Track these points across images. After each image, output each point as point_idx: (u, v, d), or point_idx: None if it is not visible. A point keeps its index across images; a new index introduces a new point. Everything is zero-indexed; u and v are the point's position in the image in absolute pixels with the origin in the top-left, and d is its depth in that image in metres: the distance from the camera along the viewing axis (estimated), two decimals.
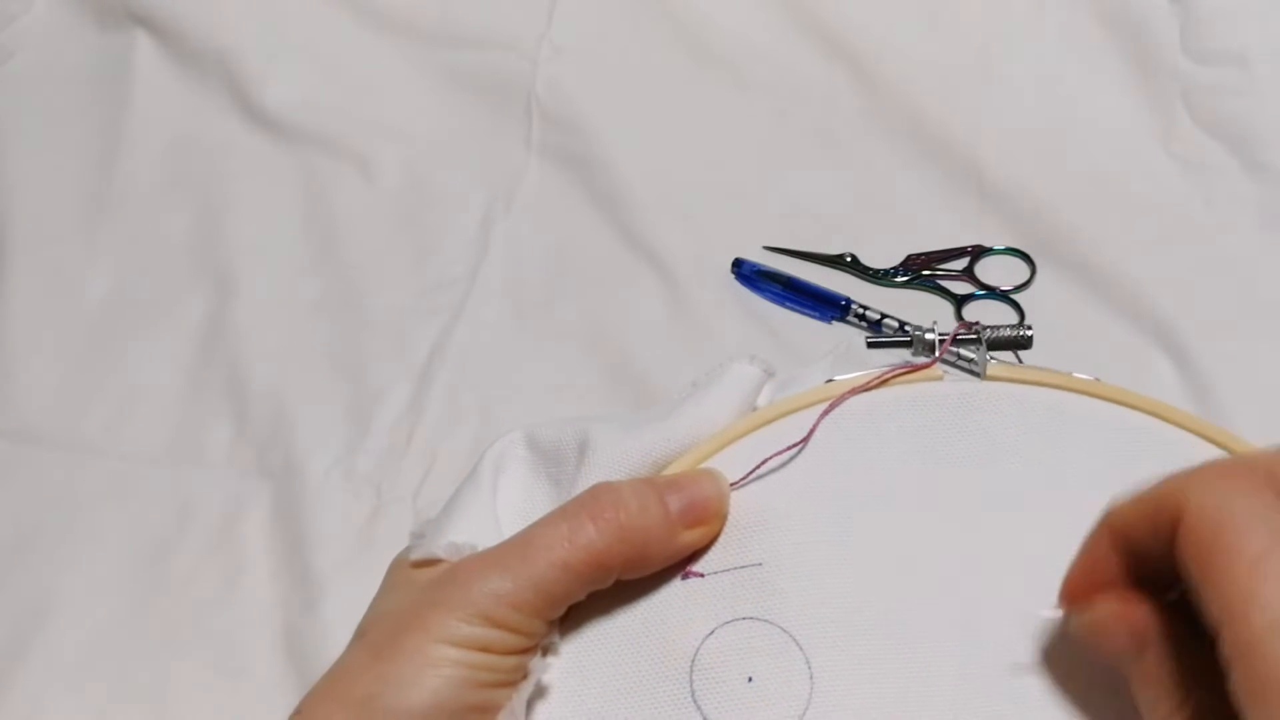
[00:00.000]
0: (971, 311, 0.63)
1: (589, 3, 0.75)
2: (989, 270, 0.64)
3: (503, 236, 0.67)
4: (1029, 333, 0.38)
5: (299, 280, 0.67)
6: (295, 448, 0.60)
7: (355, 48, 0.75)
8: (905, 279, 0.64)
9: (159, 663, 0.54)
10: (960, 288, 0.64)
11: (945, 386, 0.37)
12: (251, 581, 0.56)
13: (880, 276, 0.64)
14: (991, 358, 0.37)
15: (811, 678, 0.32)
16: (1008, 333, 0.38)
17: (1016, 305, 0.63)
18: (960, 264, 0.64)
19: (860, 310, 0.62)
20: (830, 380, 0.37)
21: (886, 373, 0.37)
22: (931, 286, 0.64)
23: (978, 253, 0.65)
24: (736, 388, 0.37)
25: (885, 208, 0.67)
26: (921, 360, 0.37)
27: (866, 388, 0.36)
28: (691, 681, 0.32)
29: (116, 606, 0.56)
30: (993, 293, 0.63)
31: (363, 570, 0.56)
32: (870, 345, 0.40)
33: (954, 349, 0.38)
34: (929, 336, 0.38)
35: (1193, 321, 0.60)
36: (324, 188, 0.70)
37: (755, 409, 0.37)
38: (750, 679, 0.32)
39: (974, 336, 0.38)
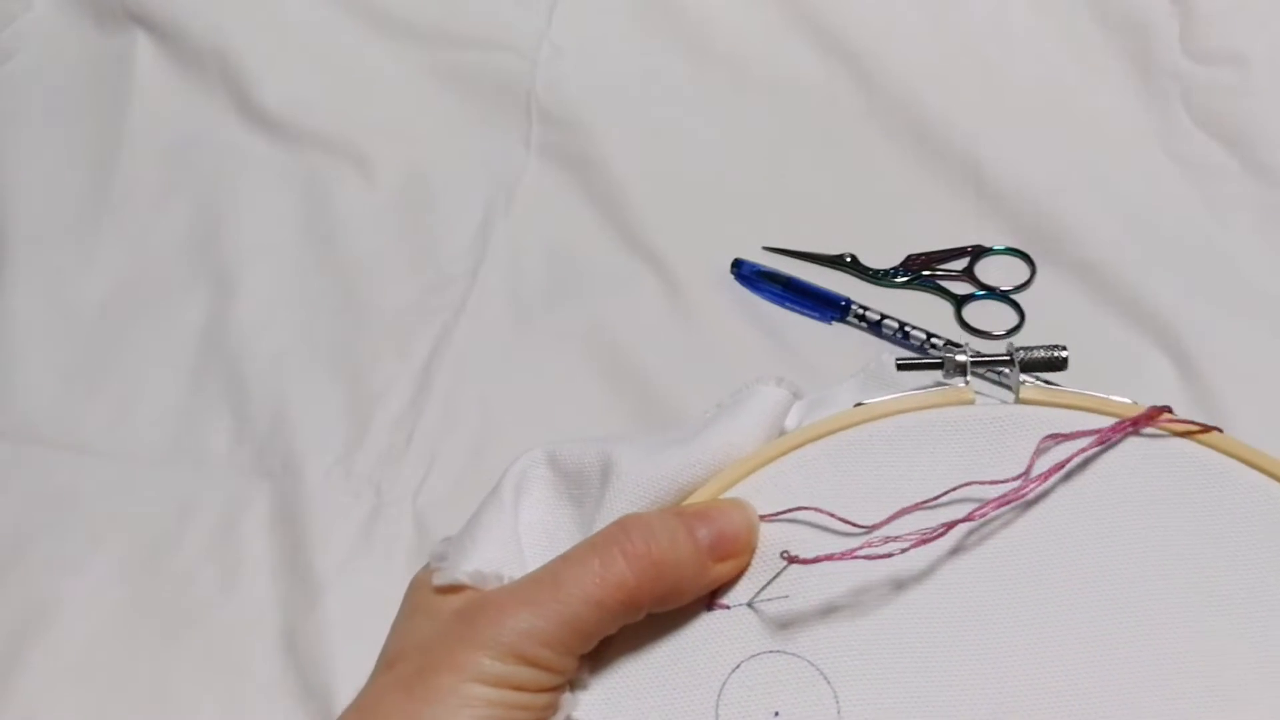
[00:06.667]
0: (971, 312, 0.63)
1: (589, 3, 0.75)
2: (989, 270, 0.64)
3: (503, 236, 0.67)
4: (1064, 354, 0.36)
5: (299, 280, 0.67)
6: (295, 448, 0.60)
7: (355, 48, 0.75)
8: (905, 279, 0.64)
9: (159, 663, 0.54)
10: (960, 288, 0.64)
11: (978, 410, 0.36)
12: (251, 581, 0.56)
13: (880, 276, 0.64)
14: (1024, 380, 0.36)
15: (840, 712, 0.31)
16: (1041, 354, 0.37)
17: (1016, 305, 0.63)
18: (960, 264, 0.64)
19: (860, 310, 0.62)
20: (860, 404, 0.36)
21: (919, 396, 0.36)
22: (931, 287, 0.64)
23: (978, 253, 0.65)
24: (764, 411, 0.36)
25: (885, 208, 0.67)
26: (953, 383, 0.36)
27: (901, 410, 0.35)
28: (718, 716, 0.32)
29: (116, 606, 0.56)
30: (993, 293, 0.63)
31: (363, 570, 0.56)
32: (900, 368, 0.38)
33: (986, 369, 0.37)
34: (960, 358, 0.37)
35: (1193, 321, 0.60)
36: (324, 188, 0.70)
37: (783, 432, 0.36)
38: (776, 714, 0.31)
39: (1007, 358, 0.37)
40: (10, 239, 0.69)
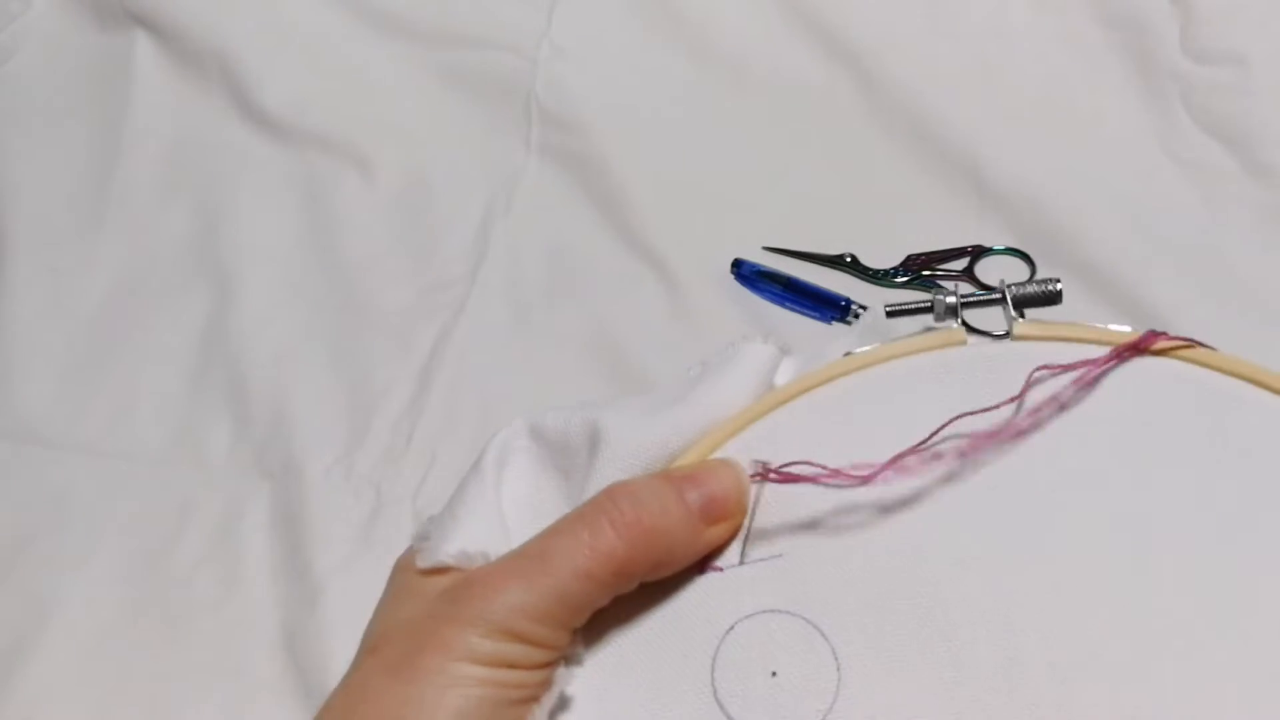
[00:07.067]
0: (971, 312, 0.63)
1: (589, 3, 0.75)
2: (989, 270, 0.64)
3: (503, 236, 0.67)
4: (1058, 287, 0.35)
5: (299, 280, 0.67)
6: (295, 448, 0.60)
7: (356, 48, 0.75)
8: (905, 279, 0.64)
9: (159, 663, 0.54)
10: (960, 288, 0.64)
11: (971, 351, 0.35)
12: (251, 581, 0.56)
13: (880, 277, 0.64)
14: (1018, 316, 0.35)
15: (839, 668, 0.30)
16: (1034, 289, 0.35)
17: None
18: (960, 264, 0.64)
19: (860, 311, 0.62)
20: (848, 354, 0.35)
21: (909, 341, 0.35)
22: (931, 287, 0.64)
23: (978, 253, 0.65)
24: (752, 369, 0.35)
25: (885, 208, 0.67)
26: (942, 325, 0.35)
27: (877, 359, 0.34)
28: (713, 679, 0.31)
29: (116, 606, 0.56)
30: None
31: (363, 570, 0.56)
32: (890, 314, 0.37)
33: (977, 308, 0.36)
34: (950, 300, 0.36)
35: (1193, 321, 0.60)
36: (324, 188, 0.70)
37: (772, 389, 0.35)
38: (774, 673, 0.31)
39: (998, 296, 0.35)
40: (10, 239, 0.69)
